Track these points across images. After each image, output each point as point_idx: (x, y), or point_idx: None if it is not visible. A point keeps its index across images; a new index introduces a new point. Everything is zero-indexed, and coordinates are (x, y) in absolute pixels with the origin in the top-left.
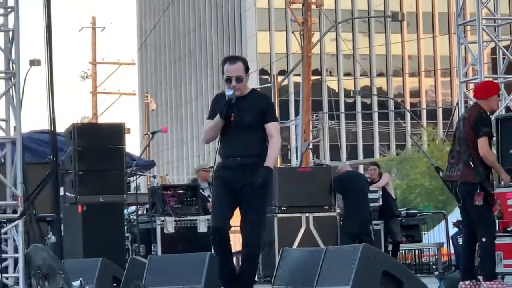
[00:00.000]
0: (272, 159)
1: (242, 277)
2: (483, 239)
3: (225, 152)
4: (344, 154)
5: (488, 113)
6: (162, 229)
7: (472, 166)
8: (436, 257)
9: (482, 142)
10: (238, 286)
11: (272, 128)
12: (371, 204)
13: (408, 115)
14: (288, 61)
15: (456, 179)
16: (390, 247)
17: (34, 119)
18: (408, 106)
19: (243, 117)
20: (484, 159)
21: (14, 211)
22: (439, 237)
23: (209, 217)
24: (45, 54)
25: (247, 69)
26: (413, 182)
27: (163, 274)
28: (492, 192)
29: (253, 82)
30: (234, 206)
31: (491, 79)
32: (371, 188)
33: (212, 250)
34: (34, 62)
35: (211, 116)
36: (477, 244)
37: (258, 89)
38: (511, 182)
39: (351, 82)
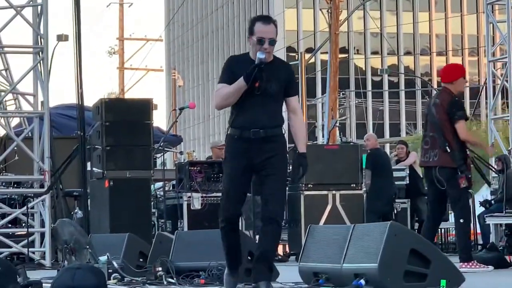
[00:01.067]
0: (304, 142)
1: (267, 255)
2: (461, 220)
3: (244, 122)
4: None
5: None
6: (188, 205)
7: (449, 150)
8: None
9: (461, 127)
10: (261, 266)
11: (296, 103)
12: (398, 183)
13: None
14: (315, 38)
15: (434, 164)
16: (416, 225)
17: (62, 94)
18: (435, 85)
19: (268, 85)
20: (466, 142)
21: (41, 186)
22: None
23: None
24: (73, 30)
25: (277, 33)
26: None
27: (190, 250)
28: (470, 176)
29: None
30: (249, 185)
31: None
32: (399, 166)
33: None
34: (61, 37)
35: (227, 80)
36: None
37: None
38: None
39: (378, 61)
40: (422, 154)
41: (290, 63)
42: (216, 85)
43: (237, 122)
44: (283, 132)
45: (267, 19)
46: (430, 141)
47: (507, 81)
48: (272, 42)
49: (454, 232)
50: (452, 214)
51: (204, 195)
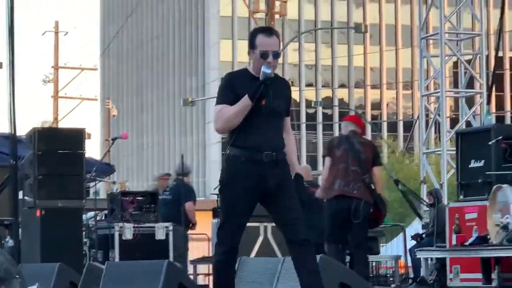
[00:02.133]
0: (297, 163)
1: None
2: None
3: (253, 143)
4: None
5: None
6: (120, 235)
7: (372, 188)
8: (394, 269)
9: (381, 172)
10: None
11: (289, 123)
12: None
13: (368, 127)
14: None
15: (358, 196)
16: (347, 258)
17: None
18: (369, 118)
19: (275, 103)
20: (381, 186)
21: None
22: (397, 249)
23: (167, 225)
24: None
25: (280, 45)
26: None
27: (120, 280)
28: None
29: (214, 90)
30: (251, 214)
31: (452, 93)
32: None
33: (212, 271)
34: None
35: (228, 100)
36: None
37: None
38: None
39: (312, 93)
40: (344, 183)
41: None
42: (215, 106)
43: (244, 142)
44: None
45: (269, 31)
46: (352, 175)
47: (439, 115)
48: (276, 55)
49: (385, 265)
50: (384, 247)
51: (136, 225)
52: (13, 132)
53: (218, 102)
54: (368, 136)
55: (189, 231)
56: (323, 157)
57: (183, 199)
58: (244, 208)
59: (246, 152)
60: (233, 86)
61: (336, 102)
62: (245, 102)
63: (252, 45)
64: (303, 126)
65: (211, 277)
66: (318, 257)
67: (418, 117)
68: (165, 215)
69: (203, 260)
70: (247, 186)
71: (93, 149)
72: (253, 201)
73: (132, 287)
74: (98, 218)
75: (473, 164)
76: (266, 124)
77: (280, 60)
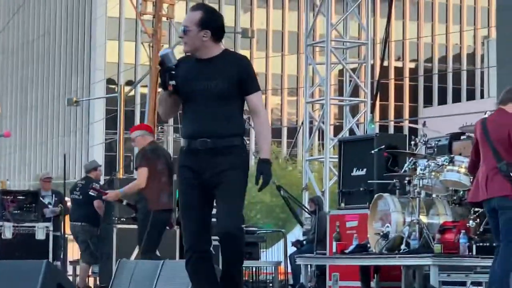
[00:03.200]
0: (267, 147)
1: (232, 275)
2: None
3: (190, 131)
4: None
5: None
6: (0, 234)
7: None
8: (273, 275)
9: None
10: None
11: (256, 101)
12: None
13: (252, 132)
14: (136, 71)
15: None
16: None
17: None
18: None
19: (211, 84)
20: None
21: None
22: (277, 255)
23: (47, 224)
24: None
25: (207, 22)
26: (254, 199)
27: None
28: None
29: (100, 91)
30: (210, 206)
31: (336, 101)
32: None
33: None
34: None
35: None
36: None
37: (104, 99)
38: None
39: None
40: None
41: (110, 95)
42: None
43: (184, 131)
44: (244, 142)
45: (194, 7)
46: None
47: (323, 122)
48: (184, 30)
49: (264, 271)
50: (265, 253)
51: (16, 224)
52: None
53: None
54: (252, 142)
55: None
56: (137, 168)
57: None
58: (192, 201)
59: (185, 141)
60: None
61: None
62: (161, 92)
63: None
64: None
65: (91, 279)
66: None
67: (302, 124)
68: (78, 216)
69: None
70: (187, 177)
71: None
72: (202, 193)
73: (9, 286)
74: None
75: (355, 172)
76: (204, 108)
77: None
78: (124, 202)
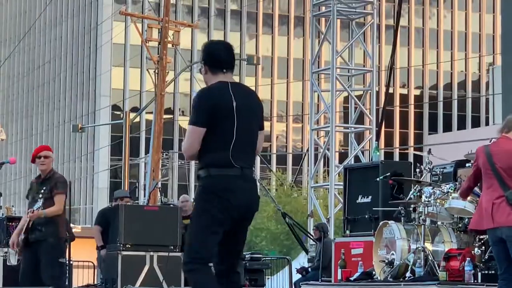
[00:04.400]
0: None
1: None
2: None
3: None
4: (192, 195)
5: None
6: (5, 261)
7: None
8: None
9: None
10: None
11: None
12: None
13: (258, 159)
14: (141, 98)
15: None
16: None
17: None
18: None
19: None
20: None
21: None
22: (282, 282)
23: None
24: None
25: (202, 56)
26: (260, 225)
27: None
28: None
29: (105, 117)
30: None
31: (341, 128)
32: None
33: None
34: None
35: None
36: None
37: (110, 126)
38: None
39: None
40: None
41: (115, 121)
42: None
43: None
44: (204, 174)
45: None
46: None
47: (328, 149)
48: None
49: None
50: (270, 279)
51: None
52: None
53: None
54: (257, 168)
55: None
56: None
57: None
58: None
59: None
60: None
61: None
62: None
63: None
64: None
65: None
66: None
67: (307, 151)
68: None
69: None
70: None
71: None
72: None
73: None
74: None
75: (361, 199)
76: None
77: (171, 90)
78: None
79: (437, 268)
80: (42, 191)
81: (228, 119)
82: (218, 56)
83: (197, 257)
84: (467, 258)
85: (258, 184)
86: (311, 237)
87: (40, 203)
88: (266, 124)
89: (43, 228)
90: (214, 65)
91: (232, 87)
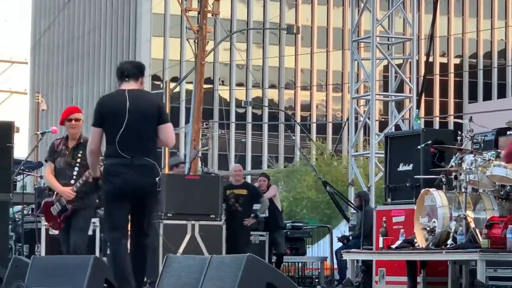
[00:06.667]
0: None
1: None
2: None
3: None
4: (232, 164)
5: None
6: (46, 230)
7: None
8: (319, 270)
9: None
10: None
11: None
12: None
13: (298, 128)
14: (181, 68)
15: None
16: (274, 258)
17: None
18: (298, 119)
19: None
20: None
21: None
22: (323, 251)
23: (94, 220)
24: None
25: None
26: (300, 195)
27: (46, 275)
28: None
29: (145, 87)
30: None
31: (382, 97)
32: None
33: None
34: None
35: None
36: None
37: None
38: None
39: (243, 92)
40: None
41: (155, 91)
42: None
43: None
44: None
45: None
46: None
47: (369, 118)
48: None
49: (311, 266)
50: (310, 248)
51: None
52: None
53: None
54: (297, 137)
55: None
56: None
57: None
58: None
59: None
60: None
61: (266, 103)
62: None
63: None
64: (233, 125)
65: None
66: (245, 256)
67: (347, 120)
68: None
69: None
70: None
71: (21, 143)
72: None
73: (57, 281)
74: (25, 212)
75: (402, 167)
76: None
77: (211, 59)
78: None
79: (478, 235)
80: (79, 155)
81: (118, 118)
82: (121, 69)
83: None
84: (509, 226)
85: (155, 168)
86: (352, 205)
87: (76, 169)
88: (306, 94)
89: (86, 197)
90: (118, 77)
91: (128, 93)
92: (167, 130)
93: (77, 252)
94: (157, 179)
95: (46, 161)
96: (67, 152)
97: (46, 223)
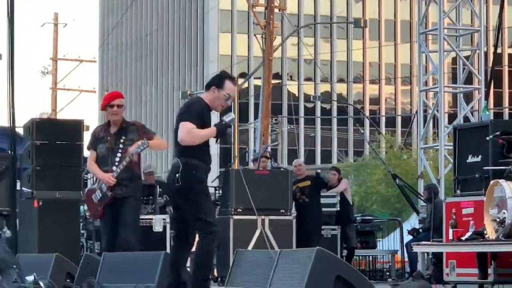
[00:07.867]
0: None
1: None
2: None
3: (208, 159)
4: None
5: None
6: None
7: None
8: (390, 264)
9: None
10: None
11: None
12: (329, 209)
13: (367, 122)
14: (249, 63)
15: None
16: (344, 252)
17: None
18: (367, 113)
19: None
20: None
21: None
22: (393, 244)
23: (164, 216)
24: (7, 49)
25: None
26: (370, 189)
27: (117, 271)
28: None
29: None
30: None
31: (450, 89)
32: (330, 192)
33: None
34: None
35: (197, 123)
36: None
37: None
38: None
39: (311, 87)
40: None
41: None
42: (185, 122)
43: (205, 157)
44: None
45: (234, 79)
46: None
47: (437, 110)
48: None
49: (381, 260)
50: (381, 242)
51: None
52: (11, 123)
53: (190, 120)
54: (367, 131)
55: None
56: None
57: None
58: None
59: (203, 163)
60: (204, 114)
61: (334, 97)
62: (212, 134)
63: (220, 85)
64: (302, 121)
65: None
66: (315, 250)
67: (416, 112)
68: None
69: None
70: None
71: None
72: None
73: (129, 278)
74: None
75: (471, 159)
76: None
77: (278, 55)
78: None
79: None
80: (121, 141)
81: None
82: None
83: None
84: None
85: (181, 166)
86: (422, 198)
87: (119, 155)
88: (374, 87)
89: (129, 183)
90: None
91: None
92: (181, 127)
93: (129, 250)
94: (177, 174)
95: (88, 149)
96: (108, 138)
97: (88, 212)
